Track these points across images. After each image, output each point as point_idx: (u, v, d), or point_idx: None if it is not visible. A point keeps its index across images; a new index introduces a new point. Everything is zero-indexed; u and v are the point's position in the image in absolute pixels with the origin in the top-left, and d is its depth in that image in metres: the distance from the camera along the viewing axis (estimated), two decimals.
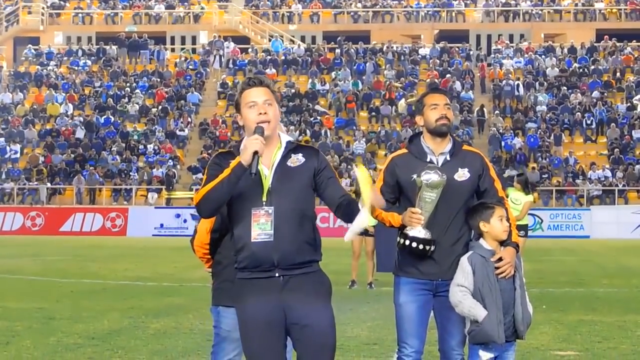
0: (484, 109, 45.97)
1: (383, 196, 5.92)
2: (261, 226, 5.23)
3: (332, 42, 53.60)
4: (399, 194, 6.25)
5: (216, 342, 6.27)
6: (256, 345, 5.29)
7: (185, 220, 39.24)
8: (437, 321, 6.32)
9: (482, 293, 5.98)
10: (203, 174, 6.11)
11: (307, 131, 44.77)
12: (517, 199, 16.17)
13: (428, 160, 6.16)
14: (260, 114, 5.34)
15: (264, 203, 5.27)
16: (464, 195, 6.18)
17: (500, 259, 6.03)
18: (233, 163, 5.21)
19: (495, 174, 6.29)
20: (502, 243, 6.09)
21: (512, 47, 52.49)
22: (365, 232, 16.16)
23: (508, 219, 6.10)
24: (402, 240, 6.06)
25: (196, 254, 6.31)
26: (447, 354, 6.26)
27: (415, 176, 6.02)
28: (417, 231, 6.01)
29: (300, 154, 5.37)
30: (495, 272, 6.01)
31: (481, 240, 6.12)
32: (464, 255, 6.11)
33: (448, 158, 6.21)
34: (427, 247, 6.02)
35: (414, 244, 6.00)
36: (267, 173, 5.31)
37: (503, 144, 43.67)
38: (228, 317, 6.08)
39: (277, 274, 5.25)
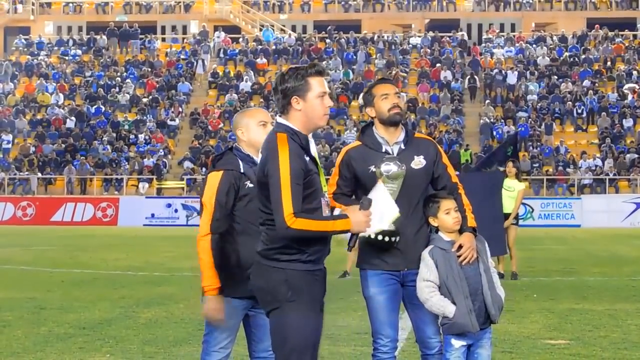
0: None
1: (339, 189, 6.07)
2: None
3: (323, 32, 53.56)
4: (355, 186, 6.17)
5: (208, 331, 6.24)
6: (313, 339, 5.25)
7: (176, 210, 39.23)
8: (409, 312, 6.31)
9: (448, 285, 5.97)
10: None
11: None
12: (511, 187, 16.10)
13: (383, 150, 6.10)
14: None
15: (325, 193, 5.31)
16: (423, 183, 6.14)
17: (460, 247, 6.00)
18: (343, 224, 5.16)
19: (447, 159, 6.23)
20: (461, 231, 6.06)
21: (503, 36, 52.51)
22: None
23: (458, 209, 6.06)
24: (368, 236, 5.90)
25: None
26: (425, 343, 6.23)
27: (373, 168, 5.98)
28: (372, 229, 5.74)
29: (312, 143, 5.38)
30: (458, 260, 5.99)
31: (440, 233, 6.09)
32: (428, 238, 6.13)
33: (403, 147, 6.15)
34: (393, 239, 5.96)
35: (380, 237, 5.90)
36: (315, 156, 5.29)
37: (494, 132, 43.70)
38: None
39: (324, 265, 5.32)
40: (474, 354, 6.19)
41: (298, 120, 5.20)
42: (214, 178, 6.03)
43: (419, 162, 6.11)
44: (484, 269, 6.11)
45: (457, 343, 6.12)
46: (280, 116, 5.26)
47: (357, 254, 6.25)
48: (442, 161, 6.19)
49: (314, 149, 5.28)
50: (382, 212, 5.59)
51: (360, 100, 45.95)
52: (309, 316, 5.20)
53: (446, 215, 6.02)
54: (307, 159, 5.16)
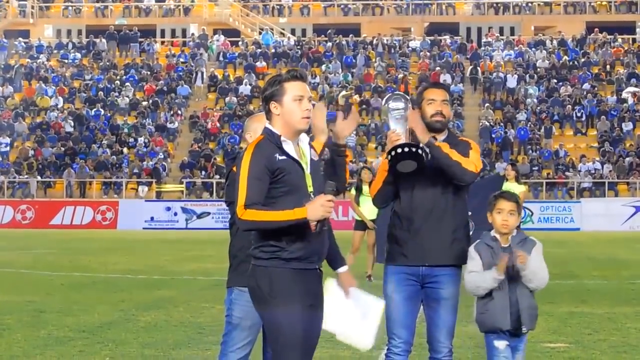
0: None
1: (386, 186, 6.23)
2: None
3: (323, 35, 53.59)
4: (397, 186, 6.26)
5: (227, 331, 6.22)
6: (300, 339, 5.28)
7: (175, 214, 39.22)
8: (425, 313, 6.30)
9: None
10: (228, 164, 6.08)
11: None
12: (511, 190, 16.11)
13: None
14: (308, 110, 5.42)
15: (312, 194, 5.33)
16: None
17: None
18: (297, 213, 5.15)
19: (477, 155, 6.21)
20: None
21: (503, 39, 52.53)
22: (365, 227, 16.33)
23: (513, 212, 6.12)
24: (392, 153, 5.97)
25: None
26: (434, 345, 6.25)
27: (384, 102, 6.17)
28: (400, 144, 5.96)
29: (311, 148, 5.50)
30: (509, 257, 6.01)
31: (493, 231, 6.15)
32: (451, 239, 6.14)
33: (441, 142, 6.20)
34: (416, 150, 5.93)
35: (405, 149, 5.93)
36: (302, 162, 5.38)
37: (493, 136, 43.73)
38: (240, 303, 6.04)
39: (317, 267, 5.38)
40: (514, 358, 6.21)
41: (279, 124, 5.35)
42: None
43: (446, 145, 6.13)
44: (524, 277, 6.12)
45: (501, 344, 6.12)
46: (267, 122, 5.41)
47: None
48: (469, 153, 6.18)
49: (307, 152, 5.39)
50: (352, 323, 5.69)
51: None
52: (294, 314, 5.23)
53: (497, 214, 6.09)
54: (283, 158, 5.26)
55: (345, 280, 5.73)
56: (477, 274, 6.04)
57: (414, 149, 5.93)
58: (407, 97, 6.23)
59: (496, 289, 6.04)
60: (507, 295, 6.05)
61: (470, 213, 6.48)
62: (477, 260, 6.06)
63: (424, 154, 5.94)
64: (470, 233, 6.45)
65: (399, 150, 5.93)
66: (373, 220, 16.02)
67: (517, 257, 6.00)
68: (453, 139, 6.30)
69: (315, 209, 5.14)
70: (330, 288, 5.67)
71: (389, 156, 6.00)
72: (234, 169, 5.81)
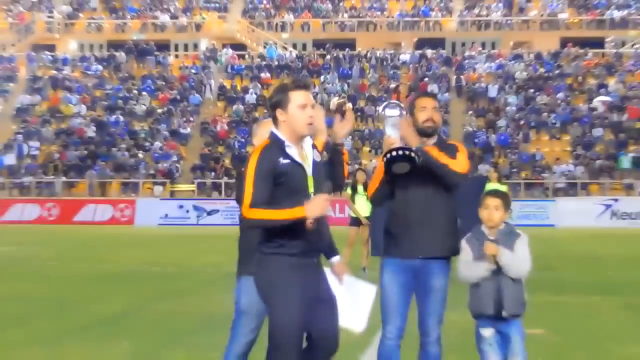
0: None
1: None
2: None
3: (321, 49, 53.59)
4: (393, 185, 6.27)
5: (236, 317, 6.19)
6: (296, 323, 5.30)
7: (187, 211, 39.15)
8: (417, 302, 6.28)
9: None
10: (237, 167, 6.04)
11: None
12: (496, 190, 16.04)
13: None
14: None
15: (312, 194, 5.33)
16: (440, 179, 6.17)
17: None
18: (297, 212, 5.17)
19: (465, 157, 6.22)
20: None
21: (484, 53, 52.50)
22: (359, 223, 16.37)
23: (498, 207, 6.11)
24: (386, 158, 5.99)
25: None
26: (424, 331, 6.24)
27: (380, 110, 6.35)
28: (395, 147, 5.98)
29: (315, 150, 5.52)
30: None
31: (482, 225, 6.15)
32: (442, 234, 6.18)
33: (436, 144, 6.25)
34: (409, 152, 5.94)
35: (399, 152, 5.94)
36: (305, 165, 5.39)
37: (476, 140, 43.69)
38: (247, 291, 5.99)
39: (315, 260, 5.42)
40: (510, 343, 6.14)
41: (284, 130, 5.35)
42: None
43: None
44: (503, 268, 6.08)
45: (486, 332, 6.09)
46: (274, 127, 5.40)
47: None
48: (457, 157, 6.19)
49: (309, 155, 5.40)
50: (348, 308, 5.70)
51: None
52: (292, 308, 5.25)
53: (484, 210, 6.08)
54: (287, 161, 5.27)
55: (338, 269, 5.78)
56: (468, 263, 6.05)
57: (407, 152, 5.94)
58: (401, 105, 6.25)
59: (484, 277, 6.01)
60: (492, 283, 6.02)
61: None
62: (467, 251, 6.07)
63: (416, 157, 5.95)
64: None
65: (394, 153, 5.94)
66: (367, 217, 16.13)
67: (486, 247, 5.98)
68: (442, 143, 6.31)
69: (313, 207, 5.15)
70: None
71: (385, 158, 6.00)
72: (243, 170, 5.87)
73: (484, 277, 6.02)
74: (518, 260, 6.04)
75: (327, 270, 5.68)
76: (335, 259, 5.77)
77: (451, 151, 6.19)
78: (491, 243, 6.00)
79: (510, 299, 6.06)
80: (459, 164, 6.12)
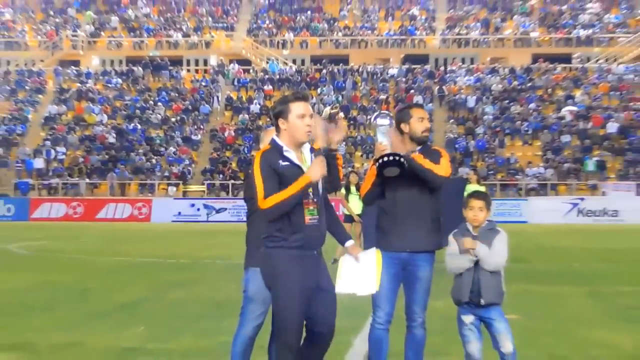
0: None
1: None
2: (311, 212, 5.32)
3: (318, 64, 53.59)
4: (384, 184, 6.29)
5: (244, 304, 6.16)
6: (296, 309, 5.31)
7: (198, 209, 39.15)
8: (405, 291, 6.29)
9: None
10: (245, 171, 6.04)
11: None
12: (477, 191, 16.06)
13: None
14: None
15: (311, 194, 5.33)
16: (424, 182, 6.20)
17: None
18: (304, 180, 5.23)
19: (447, 162, 6.26)
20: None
21: (464, 68, 52.52)
22: (352, 220, 16.42)
23: (482, 208, 6.12)
24: (378, 163, 6.04)
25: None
26: (411, 316, 6.25)
27: (373, 119, 6.22)
28: (386, 153, 6.05)
29: (313, 153, 5.52)
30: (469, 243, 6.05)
31: (467, 222, 6.16)
32: (426, 230, 6.18)
33: (417, 153, 6.24)
34: (398, 158, 6.00)
35: (390, 157, 5.99)
36: (304, 167, 5.38)
37: (457, 146, 43.70)
38: (254, 281, 5.96)
39: (315, 252, 5.40)
40: (492, 329, 6.15)
41: (285, 137, 5.37)
42: None
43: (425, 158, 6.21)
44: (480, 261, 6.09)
45: (467, 319, 6.09)
46: (276, 134, 5.43)
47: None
48: (440, 161, 6.23)
49: (308, 159, 5.42)
50: (360, 278, 5.78)
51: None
52: (292, 296, 5.26)
53: (470, 210, 6.09)
54: (286, 164, 5.30)
55: (352, 250, 5.78)
56: (454, 256, 6.07)
57: (397, 158, 5.98)
58: (391, 115, 6.29)
59: (467, 268, 6.03)
60: (471, 274, 6.03)
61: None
62: (454, 245, 6.09)
63: (405, 162, 5.99)
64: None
65: (386, 158, 5.98)
66: (359, 215, 16.20)
67: (464, 242, 6.00)
68: (427, 148, 6.32)
69: (314, 170, 5.25)
70: (346, 259, 5.79)
71: (377, 163, 6.03)
72: (250, 171, 5.89)
73: (466, 268, 6.04)
74: (494, 254, 6.04)
75: (345, 256, 5.80)
76: (349, 242, 5.78)
77: (435, 157, 6.21)
78: (467, 238, 6.01)
79: (487, 288, 6.07)
80: (442, 168, 6.15)
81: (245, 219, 6.42)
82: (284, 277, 5.29)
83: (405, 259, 6.19)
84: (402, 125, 6.30)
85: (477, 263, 6.04)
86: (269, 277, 5.38)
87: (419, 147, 6.28)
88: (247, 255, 6.19)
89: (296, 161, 5.34)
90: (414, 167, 6.04)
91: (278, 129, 5.42)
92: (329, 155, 5.67)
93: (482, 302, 6.05)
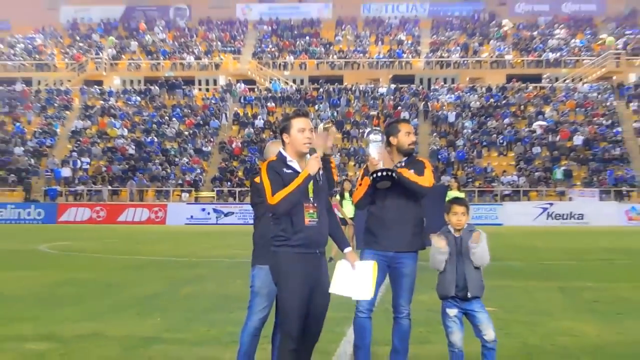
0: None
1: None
2: (310, 215, 5.35)
3: (315, 84, 53.63)
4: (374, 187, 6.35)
5: (251, 298, 6.14)
6: (297, 301, 5.34)
7: (208, 213, 39.12)
8: (391, 286, 6.30)
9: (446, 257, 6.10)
10: (252, 178, 6.07)
11: None
12: (454, 196, 16.08)
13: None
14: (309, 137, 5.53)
15: (312, 199, 5.38)
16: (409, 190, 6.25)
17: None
18: (303, 174, 5.32)
19: (430, 173, 6.30)
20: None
21: (446, 87, 52.57)
22: (346, 223, 16.45)
23: (464, 213, 6.15)
24: (373, 177, 6.14)
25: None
26: (397, 309, 6.27)
27: (365, 135, 6.25)
28: (380, 169, 6.13)
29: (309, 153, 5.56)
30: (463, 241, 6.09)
31: (448, 225, 6.17)
32: (410, 233, 6.21)
33: (403, 164, 6.29)
34: (390, 173, 6.10)
35: (383, 173, 6.09)
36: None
37: (439, 157, 43.73)
38: (259, 277, 5.97)
39: (317, 251, 5.40)
40: (475, 320, 6.14)
41: (289, 149, 5.46)
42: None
43: (411, 171, 6.24)
44: (473, 256, 6.12)
45: (451, 312, 6.10)
46: (282, 147, 5.53)
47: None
48: (424, 171, 6.28)
49: (316, 167, 5.45)
50: (356, 283, 5.78)
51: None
52: (295, 291, 5.30)
53: (454, 215, 6.10)
54: (289, 171, 5.37)
55: (350, 257, 5.75)
56: (436, 254, 6.11)
57: (389, 173, 6.09)
58: (382, 131, 6.33)
59: (449, 265, 6.03)
60: (455, 270, 6.04)
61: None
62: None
63: (394, 175, 6.10)
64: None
65: (379, 174, 6.09)
66: (351, 218, 16.26)
67: (472, 237, 6.05)
68: (413, 159, 6.34)
69: (311, 165, 5.31)
70: (342, 264, 5.76)
71: (372, 177, 6.13)
72: (255, 180, 5.95)
73: (445, 262, 6.05)
74: (483, 251, 6.10)
75: (342, 261, 5.77)
76: (347, 249, 5.77)
77: (419, 167, 6.27)
78: (476, 233, 6.10)
79: (472, 283, 6.08)
80: (426, 179, 6.21)
81: (251, 221, 6.42)
82: (288, 274, 5.32)
83: (392, 257, 6.21)
84: (391, 138, 6.34)
85: (461, 260, 6.06)
86: (275, 274, 5.41)
87: (405, 158, 6.32)
88: (254, 255, 6.19)
89: (299, 169, 5.39)
90: (402, 180, 6.12)
91: (284, 143, 5.50)
92: (324, 159, 5.74)
93: (469, 295, 6.07)
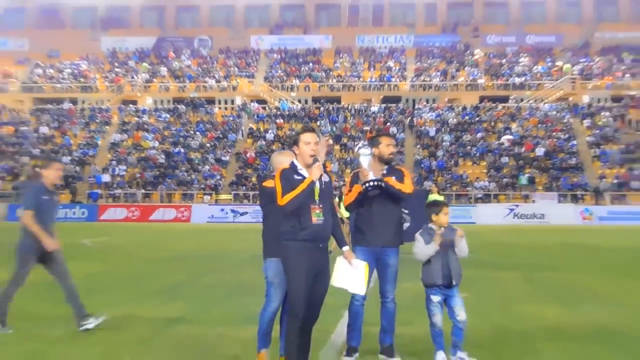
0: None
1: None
2: (317, 215, 5.41)
3: (317, 103, 53.61)
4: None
5: (267, 288, 6.11)
6: (304, 286, 5.37)
7: (227, 213, 39.06)
8: (378, 276, 6.32)
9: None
10: (263, 182, 6.09)
11: None
12: (435, 199, 16.05)
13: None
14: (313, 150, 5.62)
15: (317, 201, 5.44)
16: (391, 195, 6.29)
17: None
18: (307, 180, 5.42)
19: (409, 180, 6.32)
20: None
21: (428, 106, 52.54)
22: (343, 221, 16.43)
23: (447, 213, 6.21)
24: (364, 186, 6.19)
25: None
26: (384, 294, 6.29)
27: (356, 149, 6.34)
28: (370, 179, 6.18)
29: (325, 174, 5.62)
30: (448, 236, 6.10)
31: (430, 223, 6.15)
32: (393, 230, 6.25)
33: (385, 172, 6.35)
34: (379, 183, 6.16)
35: (374, 183, 6.17)
36: (316, 184, 5.54)
37: (422, 166, 43.67)
38: (271, 268, 5.94)
39: (320, 245, 5.44)
40: (451, 302, 6.15)
41: (299, 159, 5.58)
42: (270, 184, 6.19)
43: (392, 179, 6.28)
44: (453, 249, 6.12)
45: (435, 298, 6.10)
46: (295, 158, 5.64)
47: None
48: (404, 179, 6.32)
49: (318, 174, 5.53)
50: (352, 279, 5.82)
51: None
52: (301, 278, 5.34)
53: (444, 215, 6.13)
54: (299, 177, 5.46)
55: (347, 255, 5.80)
56: (422, 248, 6.08)
57: (378, 183, 6.18)
58: (370, 146, 6.41)
59: (434, 257, 6.05)
60: (440, 262, 6.05)
61: (407, 212, 6.55)
62: (421, 241, 6.14)
63: (382, 184, 6.20)
64: (408, 225, 6.48)
65: (370, 183, 6.19)
66: (347, 218, 16.15)
67: (457, 234, 6.09)
68: (392, 167, 6.40)
69: (314, 172, 5.43)
70: (340, 261, 5.80)
71: (365, 186, 6.21)
72: (263, 185, 6.00)
73: (432, 258, 6.05)
74: (464, 245, 6.19)
75: (340, 258, 5.80)
76: (345, 248, 5.83)
77: (400, 176, 6.32)
78: (460, 230, 6.14)
79: (455, 272, 6.12)
80: (407, 187, 6.28)
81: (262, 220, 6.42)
82: (296, 264, 5.35)
83: (378, 251, 6.26)
84: (374, 149, 6.42)
85: (445, 253, 6.07)
86: (285, 264, 5.44)
87: (386, 166, 6.34)
88: (264, 249, 6.18)
89: (307, 176, 5.48)
90: (389, 188, 6.20)
91: (295, 154, 5.60)
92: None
93: (454, 282, 6.10)
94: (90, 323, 7.53)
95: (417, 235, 6.18)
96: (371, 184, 6.15)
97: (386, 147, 6.36)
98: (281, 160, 6.05)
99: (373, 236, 6.24)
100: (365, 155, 6.23)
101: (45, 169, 7.76)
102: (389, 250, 6.28)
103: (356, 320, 6.30)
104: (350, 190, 6.35)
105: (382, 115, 51.04)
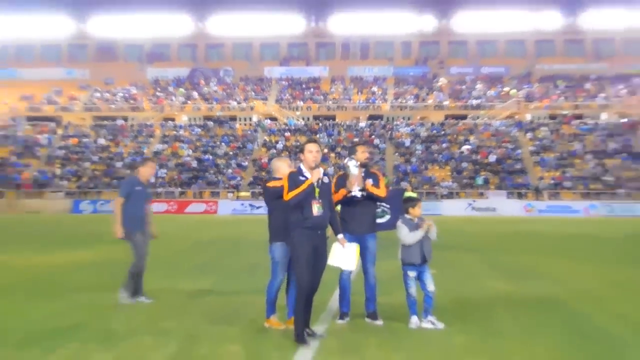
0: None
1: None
2: (317, 208, 5.48)
3: (317, 120, 53.47)
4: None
5: (273, 266, 6.09)
6: (307, 263, 5.40)
7: (246, 207, 38.93)
8: (360, 257, 6.34)
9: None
10: (272, 182, 6.03)
11: None
12: (411, 196, 15.96)
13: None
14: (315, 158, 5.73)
15: (318, 197, 5.51)
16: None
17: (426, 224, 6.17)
18: (308, 182, 5.50)
19: (383, 183, 6.40)
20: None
21: (404, 122, 52.41)
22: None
23: (420, 207, 6.29)
24: (350, 194, 6.28)
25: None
26: (366, 271, 6.36)
27: (346, 160, 6.38)
28: (355, 189, 6.28)
29: (326, 176, 5.71)
30: (423, 227, 6.10)
31: (407, 215, 6.15)
32: (371, 221, 6.29)
33: (363, 175, 6.46)
34: (363, 194, 6.29)
35: (360, 193, 6.27)
36: (316, 184, 5.62)
37: (400, 170, 43.56)
38: (277, 250, 5.93)
39: (319, 232, 5.51)
40: (423, 277, 6.11)
41: (304, 164, 5.68)
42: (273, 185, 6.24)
43: (369, 182, 6.39)
44: (427, 234, 6.08)
45: (411, 274, 6.07)
46: (301, 163, 5.71)
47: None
48: (379, 183, 6.37)
49: (317, 177, 5.58)
50: (345, 259, 5.83)
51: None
52: (304, 257, 5.41)
53: (419, 208, 6.19)
54: (303, 178, 5.54)
55: (341, 241, 5.88)
56: (409, 234, 6.07)
57: (363, 193, 6.34)
58: (350, 154, 6.46)
59: (418, 240, 6.04)
60: (419, 245, 6.01)
61: (389, 206, 6.51)
62: (405, 228, 6.14)
63: (364, 194, 6.34)
64: (388, 217, 6.42)
65: (358, 195, 6.34)
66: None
67: (429, 226, 6.09)
68: (367, 170, 6.46)
69: (314, 175, 5.52)
70: (336, 245, 5.86)
71: (351, 193, 6.32)
72: (267, 185, 5.92)
73: (418, 240, 6.05)
74: (435, 232, 6.19)
75: (336, 243, 5.82)
76: (340, 235, 5.82)
77: (375, 178, 6.44)
78: (430, 222, 6.13)
79: (428, 253, 6.08)
80: (382, 191, 6.45)
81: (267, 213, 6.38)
82: (300, 245, 5.42)
83: (360, 238, 6.34)
84: (353, 156, 6.43)
85: (422, 237, 6.05)
86: (291, 245, 5.49)
87: (363, 169, 6.44)
88: (270, 235, 6.13)
89: (309, 177, 5.57)
90: (370, 194, 6.35)
91: (301, 159, 5.68)
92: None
93: (428, 261, 6.10)
94: (130, 299, 7.41)
95: (399, 224, 6.16)
96: (359, 195, 6.27)
97: (362, 153, 6.51)
98: (279, 164, 6.07)
99: (355, 226, 6.34)
100: (353, 167, 6.31)
101: (143, 166, 7.76)
102: (368, 236, 6.41)
103: (345, 290, 6.34)
104: (336, 192, 6.39)
105: (368, 130, 50.91)
